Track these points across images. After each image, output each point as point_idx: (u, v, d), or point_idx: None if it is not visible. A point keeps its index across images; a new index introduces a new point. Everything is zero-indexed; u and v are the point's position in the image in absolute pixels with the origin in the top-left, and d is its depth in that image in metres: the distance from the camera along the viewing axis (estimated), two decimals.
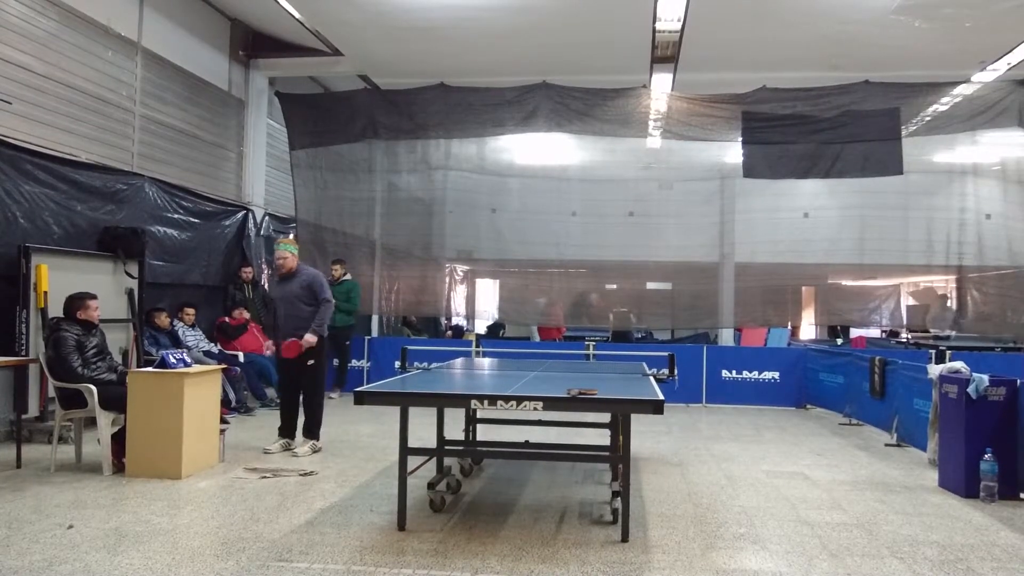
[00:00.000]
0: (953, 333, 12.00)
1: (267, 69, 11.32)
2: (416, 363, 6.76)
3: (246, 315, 9.84)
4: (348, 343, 10.64)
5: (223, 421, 6.39)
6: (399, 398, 4.59)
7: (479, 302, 14.96)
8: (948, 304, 13.34)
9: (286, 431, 6.80)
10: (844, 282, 13.47)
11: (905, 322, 12.55)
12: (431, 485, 5.04)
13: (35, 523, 4.47)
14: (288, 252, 6.89)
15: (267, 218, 11.51)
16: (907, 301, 13.03)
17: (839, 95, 10.47)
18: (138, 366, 7.68)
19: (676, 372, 5.75)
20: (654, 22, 9.26)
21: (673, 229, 11.97)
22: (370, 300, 11.94)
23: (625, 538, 4.29)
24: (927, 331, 12.48)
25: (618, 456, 4.83)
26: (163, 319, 8.60)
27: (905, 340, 12.45)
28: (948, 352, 8.56)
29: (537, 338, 13.78)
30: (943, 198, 11.84)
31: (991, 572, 4.01)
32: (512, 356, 9.52)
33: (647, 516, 4.86)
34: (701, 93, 10.83)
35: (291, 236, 7.20)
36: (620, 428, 4.94)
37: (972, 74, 10.54)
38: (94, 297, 6.33)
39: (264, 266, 11.40)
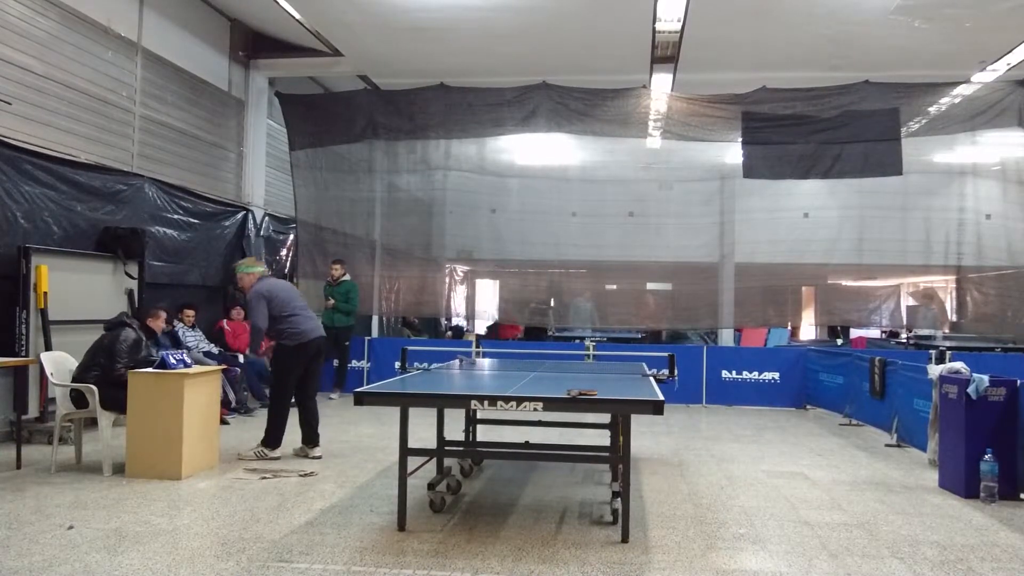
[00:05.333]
0: (927, 332, 12.02)
1: (267, 69, 11.31)
2: (416, 364, 6.76)
3: (241, 314, 9.84)
4: (347, 344, 10.64)
5: (223, 422, 6.39)
6: (399, 399, 4.59)
7: (479, 302, 14.96)
8: (944, 303, 13.35)
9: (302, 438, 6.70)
10: (844, 282, 13.46)
11: (905, 323, 12.55)
12: (431, 486, 5.04)
13: (35, 524, 4.47)
14: (241, 273, 6.81)
15: (267, 218, 11.51)
16: (907, 302, 13.02)
17: (839, 95, 10.46)
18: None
19: (676, 372, 5.74)
20: (654, 22, 9.25)
21: (673, 229, 11.96)
22: (370, 300, 11.94)
23: (625, 538, 4.29)
24: (908, 330, 12.48)
25: (618, 456, 4.83)
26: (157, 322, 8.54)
27: (905, 340, 12.45)
28: (948, 352, 8.56)
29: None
30: (943, 198, 11.83)
31: (991, 572, 4.01)
32: (512, 356, 9.52)
33: (647, 516, 4.86)
34: (701, 93, 10.83)
35: (250, 257, 7.29)
36: (620, 428, 4.94)
37: (972, 74, 10.53)
38: (167, 310, 6.73)
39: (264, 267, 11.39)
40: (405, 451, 4.52)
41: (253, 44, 11.04)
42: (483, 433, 6.46)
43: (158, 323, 6.34)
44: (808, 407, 10.27)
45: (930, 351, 8.89)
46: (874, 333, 14.44)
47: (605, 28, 9.60)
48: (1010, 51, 9.84)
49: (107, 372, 5.94)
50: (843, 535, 4.56)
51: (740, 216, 11.88)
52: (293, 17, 9.73)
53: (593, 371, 6.68)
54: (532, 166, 12.60)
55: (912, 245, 11.61)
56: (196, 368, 6.05)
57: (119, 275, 8.09)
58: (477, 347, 10.83)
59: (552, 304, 12.50)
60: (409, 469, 4.54)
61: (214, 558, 3.95)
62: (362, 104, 11.53)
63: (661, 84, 10.99)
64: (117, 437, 5.83)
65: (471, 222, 12.53)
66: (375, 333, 12.85)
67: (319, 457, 6.47)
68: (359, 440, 7.39)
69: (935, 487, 5.84)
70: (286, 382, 6.52)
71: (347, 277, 10.65)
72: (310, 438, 6.59)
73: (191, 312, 9.18)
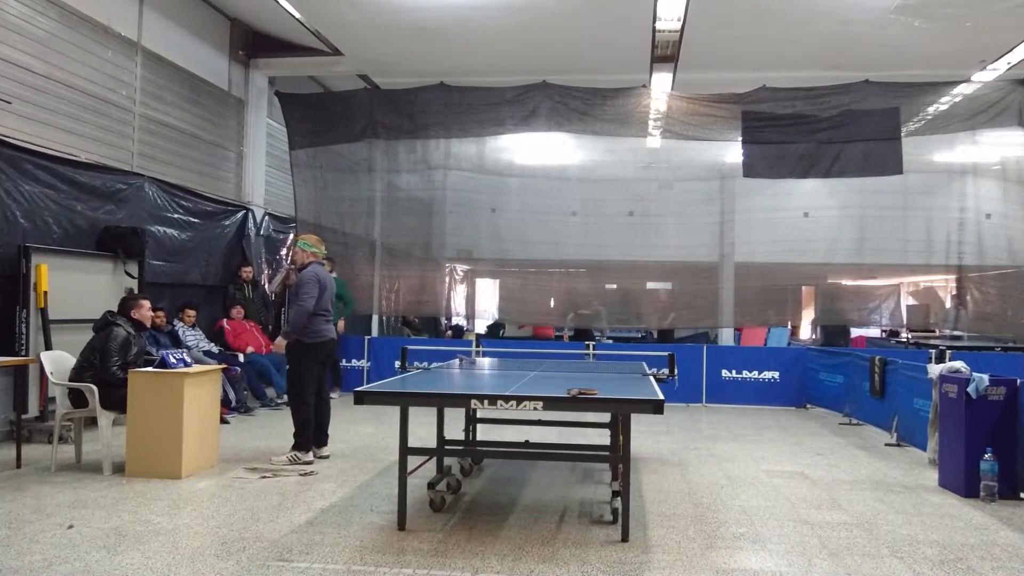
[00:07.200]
0: (958, 332, 12.00)
1: (267, 69, 11.32)
2: (416, 363, 6.76)
3: (241, 313, 9.84)
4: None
5: (223, 421, 6.38)
6: (399, 398, 4.59)
7: (479, 302, 14.96)
8: (947, 305, 13.35)
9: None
10: (844, 282, 13.47)
11: (905, 322, 12.55)
12: (431, 485, 5.04)
13: (35, 523, 4.47)
14: (299, 248, 6.66)
15: (267, 218, 11.51)
16: (907, 301, 13.03)
17: (839, 95, 10.46)
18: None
19: (676, 372, 5.74)
20: (654, 22, 9.26)
21: (673, 229, 11.96)
22: (370, 300, 11.93)
23: (625, 538, 4.29)
24: (928, 331, 12.46)
25: (618, 456, 4.83)
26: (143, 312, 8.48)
27: (905, 340, 12.46)
28: (948, 352, 8.56)
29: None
30: (943, 198, 11.84)
31: (991, 572, 4.01)
32: (512, 356, 9.52)
33: (647, 516, 4.86)
34: (701, 93, 10.83)
35: (315, 236, 6.91)
36: (620, 428, 4.94)
37: (972, 74, 10.54)
38: (147, 298, 6.52)
39: (264, 266, 11.40)
40: (405, 450, 4.52)
41: (253, 43, 11.04)
42: (483, 432, 6.46)
43: (143, 312, 6.27)
44: (808, 406, 10.27)
45: (929, 351, 8.89)
46: (874, 332, 14.44)
47: (605, 28, 9.60)
48: (1010, 50, 9.84)
49: (102, 372, 5.94)
50: (843, 535, 4.56)
51: (740, 216, 11.88)
52: (293, 16, 9.73)
53: (593, 370, 6.68)
54: (532, 166, 12.60)
55: (912, 245, 11.62)
56: (196, 367, 6.04)
57: (119, 275, 8.09)
58: (477, 347, 10.83)
59: (598, 306, 12.51)
60: (409, 468, 4.54)
61: (214, 557, 3.95)
62: (362, 104, 11.53)
63: (661, 83, 10.99)
64: (117, 436, 5.83)
65: (471, 222, 12.53)
66: (375, 332, 12.84)
67: (327, 457, 6.46)
68: (359, 439, 7.39)
69: (935, 486, 5.84)
70: (303, 381, 6.36)
71: (334, 274, 10.53)
72: (318, 438, 6.54)
73: (191, 312, 9.18)
